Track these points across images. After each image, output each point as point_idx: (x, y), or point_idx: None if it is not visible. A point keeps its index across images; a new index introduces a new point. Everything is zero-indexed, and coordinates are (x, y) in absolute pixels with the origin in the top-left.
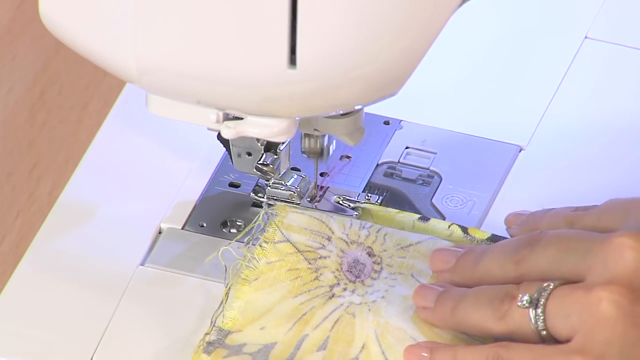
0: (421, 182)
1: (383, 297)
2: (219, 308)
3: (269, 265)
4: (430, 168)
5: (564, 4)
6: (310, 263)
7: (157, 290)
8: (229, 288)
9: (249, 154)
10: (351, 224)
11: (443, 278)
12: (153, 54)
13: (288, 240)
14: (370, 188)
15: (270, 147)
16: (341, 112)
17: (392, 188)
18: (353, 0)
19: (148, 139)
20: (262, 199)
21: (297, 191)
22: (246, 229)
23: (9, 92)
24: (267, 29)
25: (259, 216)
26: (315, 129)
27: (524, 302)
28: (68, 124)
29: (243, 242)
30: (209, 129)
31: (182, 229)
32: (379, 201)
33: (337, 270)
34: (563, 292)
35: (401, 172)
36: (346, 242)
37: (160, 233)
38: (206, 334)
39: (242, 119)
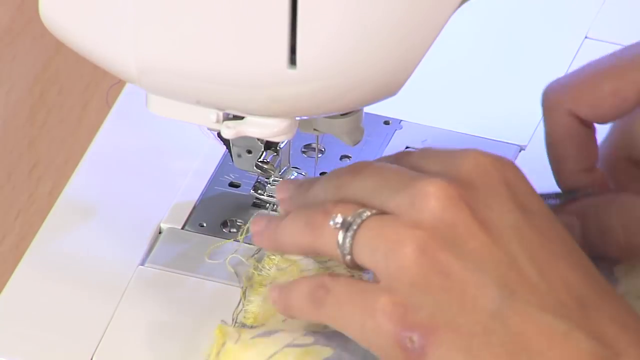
0: None
1: None
2: (238, 306)
3: (281, 271)
4: None
5: (564, 4)
6: (321, 264)
7: (157, 290)
8: (245, 290)
9: (249, 152)
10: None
11: (283, 208)
12: (153, 54)
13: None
14: None
15: (271, 145)
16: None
17: None
18: (353, 0)
19: (148, 139)
20: (262, 196)
21: None
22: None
23: (9, 92)
24: (267, 28)
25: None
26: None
27: (337, 222)
28: (68, 124)
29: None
30: (209, 129)
31: (182, 229)
32: None
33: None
34: (375, 223)
35: None
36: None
37: (160, 233)
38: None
39: (242, 118)
